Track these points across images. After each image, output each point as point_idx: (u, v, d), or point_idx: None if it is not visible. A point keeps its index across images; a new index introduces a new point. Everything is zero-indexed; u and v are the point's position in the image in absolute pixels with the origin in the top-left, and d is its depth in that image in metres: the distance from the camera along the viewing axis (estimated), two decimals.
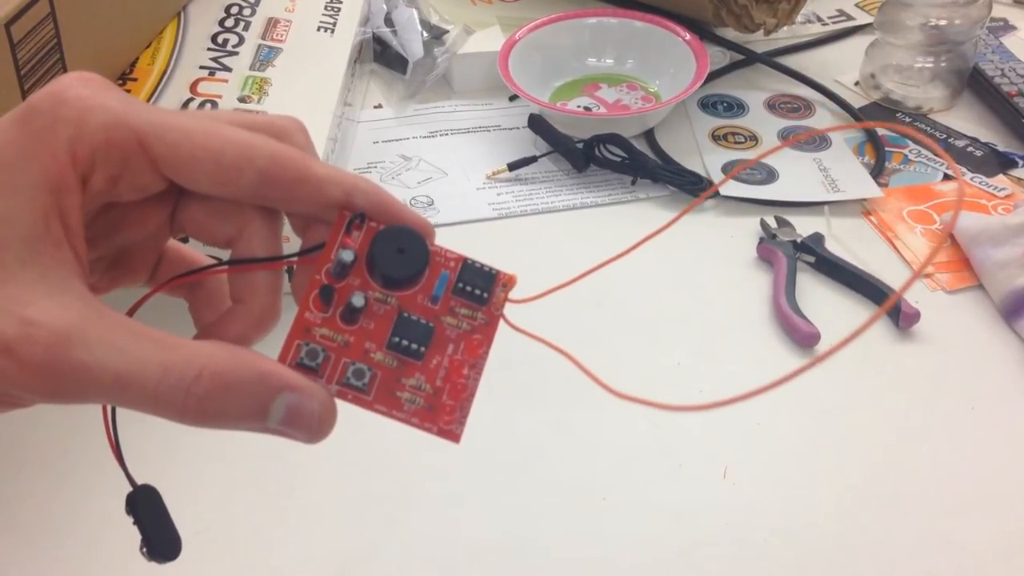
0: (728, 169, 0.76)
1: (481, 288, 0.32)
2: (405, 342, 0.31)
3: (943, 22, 0.81)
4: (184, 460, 0.55)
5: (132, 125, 0.29)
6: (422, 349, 0.31)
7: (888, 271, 0.67)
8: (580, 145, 0.75)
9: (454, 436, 0.32)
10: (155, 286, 0.34)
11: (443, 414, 0.31)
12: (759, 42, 0.91)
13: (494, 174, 0.76)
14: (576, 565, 0.51)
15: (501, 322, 0.32)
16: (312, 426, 0.30)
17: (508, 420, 0.58)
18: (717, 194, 0.73)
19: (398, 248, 0.31)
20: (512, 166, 0.76)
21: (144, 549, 0.31)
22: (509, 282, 0.32)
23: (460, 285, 0.32)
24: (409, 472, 0.55)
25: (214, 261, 0.34)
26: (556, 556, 0.51)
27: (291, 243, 0.33)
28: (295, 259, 0.32)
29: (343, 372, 0.31)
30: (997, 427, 0.58)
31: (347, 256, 0.31)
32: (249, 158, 0.30)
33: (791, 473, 0.56)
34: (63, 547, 0.51)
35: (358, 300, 0.30)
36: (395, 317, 0.31)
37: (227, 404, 0.28)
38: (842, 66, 0.89)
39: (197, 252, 0.35)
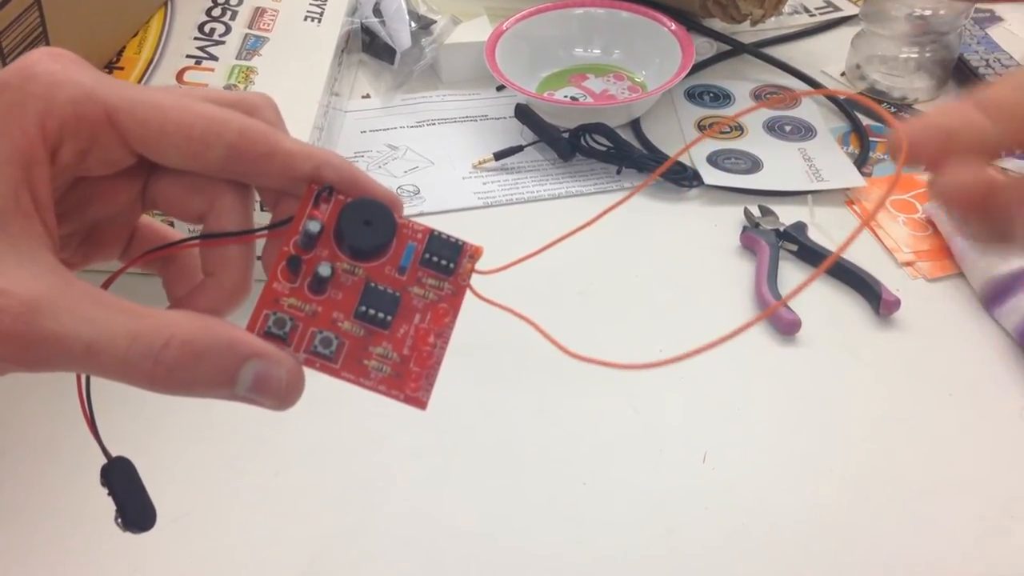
0: (713, 159, 0.76)
1: (448, 259, 0.32)
2: (372, 311, 0.31)
3: (928, 12, 0.81)
4: (166, 444, 0.55)
5: (101, 99, 0.29)
6: (389, 318, 0.31)
7: (870, 260, 0.67)
8: (566, 135, 0.76)
9: (420, 403, 0.32)
10: (128, 261, 0.35)
11: (409, 381, 0.32)
12: (745, 33, 0.91)
13: (480, 163, 0.76)
14: (556, 548, 0.52)
15: (468, 293, 0.33)
16: (280, 393, 0.30)
17: (490, 405, 0.59)
18: (701, 183, 0.73)
19: (365, 220, 0.31)
20: (498, 155, 0.76)
21: (119, 519, 0.31)
22: (476, 253, 0.33)
23: (427, 256, 0.32)
24: (390, 455, 0.56)
25: (186, 236, 0.34)
26: (536, 539, 0.52)
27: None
28: (265, 232, 0.32)
29: (311, 340, 0.31)
30: (975, 413, 0.59)
31: (313, 227, 0.31)
32: (218, 132, 0.30)
33: (770, 458, 0.56)
34: (43, 530, 0.52)
35: (324, 270, 0.31)
36: (362, 287, 0.32)
37: (195, 371, 0.29)
38: (828, 57, 0.90)
39: (170, 228, 0.36)
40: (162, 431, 0.56)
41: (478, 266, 0.33)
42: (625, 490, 0.54)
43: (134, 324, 0.28)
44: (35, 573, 0.50)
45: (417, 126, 0.81)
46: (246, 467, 0.55)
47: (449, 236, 0.33)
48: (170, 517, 0.52)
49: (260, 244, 0.33)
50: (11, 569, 0.50)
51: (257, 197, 0.34)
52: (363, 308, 0.31)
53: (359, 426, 0.57)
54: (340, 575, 0.50)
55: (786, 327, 0.62)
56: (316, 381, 0.60)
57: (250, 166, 0.31)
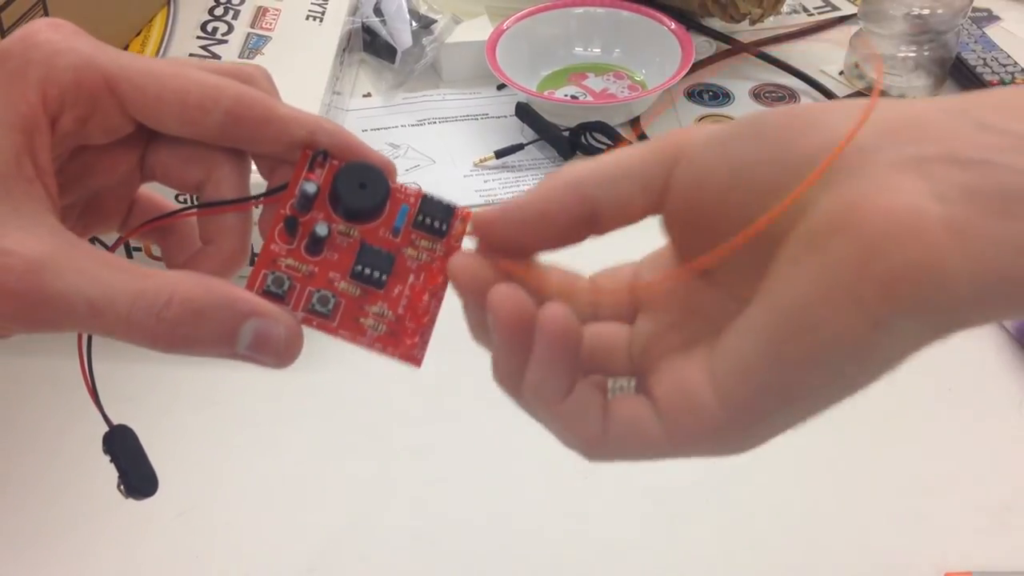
0: None
1: (440, 220, 0.33)
2: (367, 271, 0.32)
3: (926, 11, 0.82)
4: (171, 439, 0.56)
5: (100, 67, 0.30)
6: (384, 277, 0.32)
7: None
8: (566, 133, 0.76)
9: (416, 360, 0.33)
10: (127, 231, 0.35)
11: (405, 338, 0.32)
12: (745, 32, 0.91)
13: (481, 161, 0.77)
14: (557, 541, 0.52)
15: None
16: (279, 350, 0.30)
17: (490, 398, 0.59)
18: None
19: (360, 183, 0.32)
20: (499, 154, 0.77)
21: (121, 486, 0.31)
22: (467, 216, 0.33)
23: (420, 218, 0.33)
24: (393, 451, 0.56)
25: (184, 205, 0.35)
26: (537, 532, 0.52)
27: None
28: (261, 199, 0.33)
29: (308, 299, 0.32)
30: (974, 409, 0.59)
31: (310, 188, 0.32)
32: (215, 99, 0.31)
33: (769, 452, 0.56)
34: (48, 522, 0.52)
35: (322, 229, 0.32)
36: (358, 248, 0.32)
37: (197, 329, 0.29)
38: (827, 56, 0.90)
39: (168, 200, 0.36)
40: (167, 426, 0.56)
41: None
42: (626, 483, 0.55)
43: (137, 283, 0.28)
44: (41, 566, 0.51)
45: (418, 125, 0.81)
46: (251, 463, 0.55)
47: (441, 199, 0.33)
48: (175, 511, 0.52)
49: (258, 213, 0.34)
50: (18, 561, 0.51)
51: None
52: (359, 268, 0.32)
53: (362, 423, 0.58)
54: (344, 569, 0.51)
55: None
56: (319, 378, 0.60)
57: (247, 132, 0.31)
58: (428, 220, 0.33)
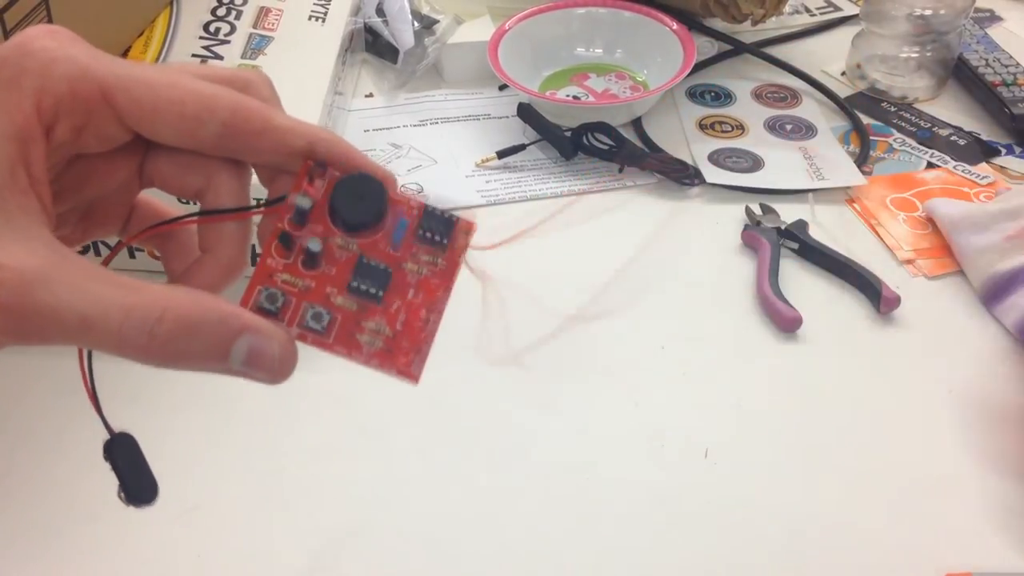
0: (714, 157, 0.77)
1: (441, 234, 0.32)
2: (364, 286, 0.31)
3: (928, 12, 0.82)
4: (176, 441, 0.56)
5: (96, 77, 0.29)
6: (380, 293, 0.32)
7: (871, 258, 0.68)
8: (568, 133, 0.76)
9: (412, 377, 0.32)
10: (127, 237, 0.35)
11: (400, 355, 0.32)
12: (747, 32, 0.91)
13: (483, 162, 0.77)
14: (557, 543, 0.52)
15: (464, 269, 0.33)
16: (273, 367, 0.30)
17: (493, 400, 0.59)
18: (702, 181, 0.74)
19: (358, 195, 0.31)
20: (501, 154, 0.77)
21: (121, 494, 0.31)
22: (469, 228, 0.32)
23: (421, 231, 0.32)
24: (394, 451, 0.56)
25: (183, 213, 0.34)
26: (538, 534, 0.52)
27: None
28: (260, 209, 0.32)
29: (303, 316, 0.31)
30: (974, 410, 0.59)
31: (304, 202, 0.31)
32: (211, 109, 0.30)
33: (771, 454, 0.57)
34: (52, 524, 0.52)
35: (314, 245, 0.31)
36: (355, 262, 0.32)
37: (189, 345, 0.29)
38: (829, 56, 0.90)
39: (168, 206, 0.36)
40: (168, 426, 0.56)
41: (473, 242, 0.33)
42: (627, 485, 0.55)
43: (129, 298, 0.28)
44: (41, 566, 0.51)
45: (420, 125, 0.81)
46: (251, 463, 0.56)
47: (443, 211, 0.32)
48: (179, 511, 0.53)
49: (258, 220, 0.33)
50: (18, 561, 0.51)
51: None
52: (355, 283, 0.31)
53: (364, 423, 0.58)
54: (344, 569, 0.51)
55: (787, 324, 0.63)
56: (320, 379, 0.60)
57: (243, 143, 0.31)
58: (428, 234, 0.32)
